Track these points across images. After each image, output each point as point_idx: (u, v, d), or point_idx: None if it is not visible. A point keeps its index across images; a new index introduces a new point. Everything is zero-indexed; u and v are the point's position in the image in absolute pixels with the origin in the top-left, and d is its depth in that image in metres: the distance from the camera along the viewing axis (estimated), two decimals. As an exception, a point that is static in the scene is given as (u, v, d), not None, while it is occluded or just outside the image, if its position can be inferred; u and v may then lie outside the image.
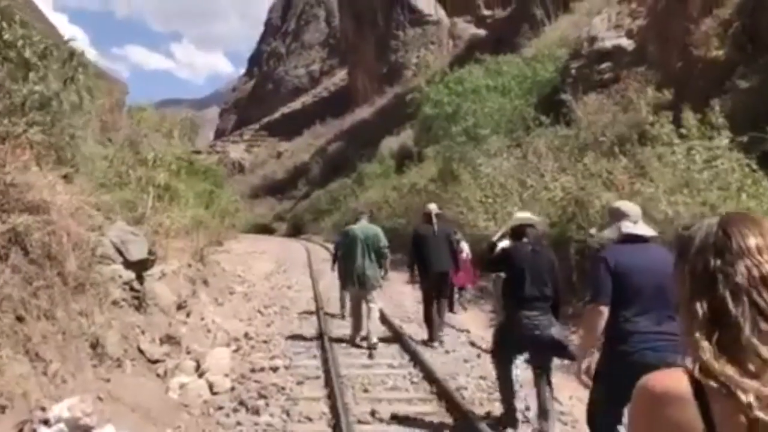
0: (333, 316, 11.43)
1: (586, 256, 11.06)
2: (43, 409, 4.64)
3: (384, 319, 9.96)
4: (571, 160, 15.01)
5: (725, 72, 14.12)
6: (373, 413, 5.89)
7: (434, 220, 9.27)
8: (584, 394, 7.16)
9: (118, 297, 7.80)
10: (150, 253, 9.48)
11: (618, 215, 3.97)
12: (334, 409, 5.87)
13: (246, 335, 9.56)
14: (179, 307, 10.29)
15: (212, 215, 24.76)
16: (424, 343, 8.98)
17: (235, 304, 13.06)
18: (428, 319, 9.16)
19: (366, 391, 6.71)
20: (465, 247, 11.41)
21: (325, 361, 7.72)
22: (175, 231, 13.82)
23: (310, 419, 5.76)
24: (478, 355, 8.36)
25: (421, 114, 24.88)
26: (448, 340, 9.37)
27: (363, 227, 9.24)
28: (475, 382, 7.07)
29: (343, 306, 10.94)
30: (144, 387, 6.43)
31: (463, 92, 22.55)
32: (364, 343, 8.73)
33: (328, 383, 6.78)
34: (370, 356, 8.25)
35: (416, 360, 7.85)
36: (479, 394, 6.65)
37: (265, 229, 53.52)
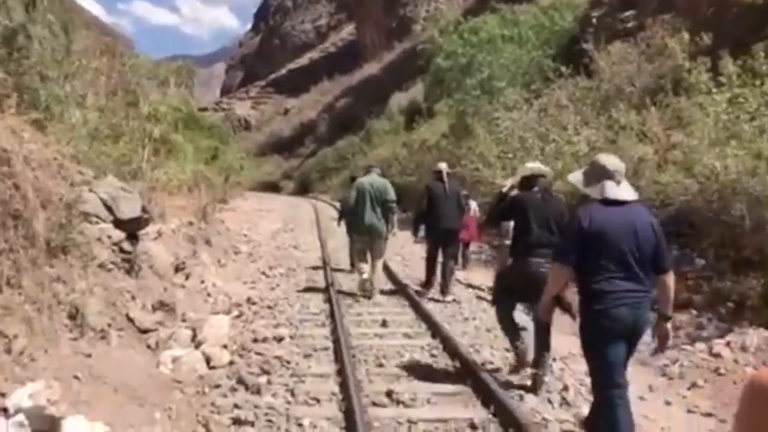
0: (343, 270, 11.33)
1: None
2: (3, 395, 3.93)
3: (389, 272, 10.45)
4: (594, 112, 14.12)
5: (764, 16, 13.12)
6: (389, 394, 5.17)
7: (445, 178, 9.32)
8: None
9: (106, 259, 7.07)
10: (144, 210, 8.73)
11: (603, 172, 3.87)
12: (345, 388, 5.14)
13: (249, 300, 8.84)
14: (177, 270, 9.59)
15: (217, 172, 24.11)
16: (419, 293, 9.14)
17: (238, 266, 12.36)
18: (429, 270, 9.39)
19: (381, 365, 5.98)
20: (473, 205, 11.36)
21: (334, 330, 7.00)
22: (174, 187, 13.10)
23: (317, 400, 5.04)
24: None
25: (433, 66, 23.76)
26: (467, 306, 8.67)
27: (372, 180, 9.20)
28: (501, 355, 6.34)
29: (352, 261, 10.60)
30: (131, 361, 5.72)
31: (478, 43, 21.42)
32: (366, 293, 9.03)
33: (338, 357, 6.06)
34: (384, 324, 7.52)
35: (435, 329, 7.12)
36: (507, 369, 5.92)
37: (271, 187, 52.86)
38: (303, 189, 50.34)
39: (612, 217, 3.75)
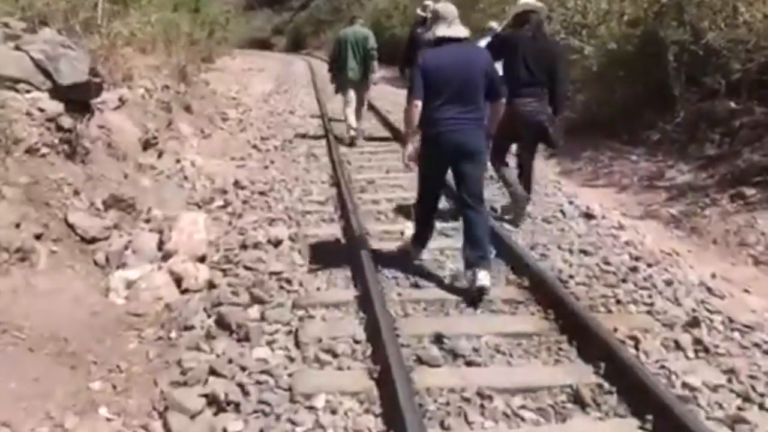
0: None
1: (685, 62, 8.32)
2: None
3: (372, 107, 11.16)
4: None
5: None
6: (438, 339, 3.53)
7: (429, 23, 8.26)
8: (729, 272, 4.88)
9: (37, 142, 5.25)
10: (94, 73, 6.79)
11: (436, 17, 4.36)
12: (374, 332, 3.49)
13: (236, 183, 7.07)
14: (146, 146, 7.78)
15: (200, 26, 21.64)
16: None
17: (225, 136, 10.50)
18: None
19: (416, 286, 4.29)
20: None
21: (347, 229, 5.28)
22: (147, 43, 10.97)
23: (334, 354, 3.39)
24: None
25: None
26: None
27: (355, 30, 9.46)
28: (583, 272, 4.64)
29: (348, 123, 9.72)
30: (67, 292, 4.05)
31: None
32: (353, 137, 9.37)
33: (357, 273, 4.37)
34: (411, 216, 5.81)
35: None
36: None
37: (262, 44, 49.53)
38: (296, 45, 47.33)
39: (444, 54, 4.20)
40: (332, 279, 4.40)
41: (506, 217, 5.71)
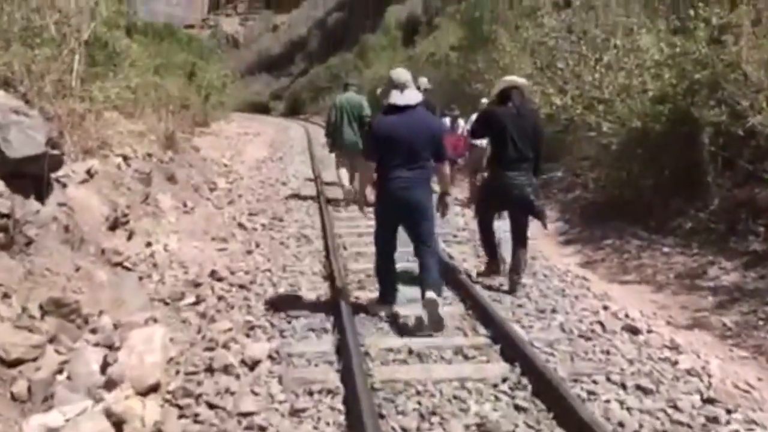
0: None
1: (723, 146, 7.48)
2: None
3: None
4: (659, 13, 11.07)
5: None
6: None
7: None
8: None
9: (-38, 231, 4.27)
10: (53, 144, 5.89)
11: (391, 84, 4.75)
12: None
13: (213, 274, 6.05)
14: (114, 226, 6.81)
15: (195, 90, 21.18)
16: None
17: (208, 212, 9.52)
18: None
19: (434, 441, 3.25)
20: (461, 124, 10.57)
21: (341, 347, 4.25)
22: (126, 107, 10.18)
23: None
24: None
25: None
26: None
27: (348, 97, 9.60)
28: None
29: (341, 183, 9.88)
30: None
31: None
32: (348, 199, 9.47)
33: (352, 414, 3.33)
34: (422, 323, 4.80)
35: (504, 340, 4.40)
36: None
37: (260, 108, 49.55)
38: (294, 110, 47.50)
39: (395, 120, 4.66)
40: (321, 426, 3.35)
41: (481, 279, 5.97)
